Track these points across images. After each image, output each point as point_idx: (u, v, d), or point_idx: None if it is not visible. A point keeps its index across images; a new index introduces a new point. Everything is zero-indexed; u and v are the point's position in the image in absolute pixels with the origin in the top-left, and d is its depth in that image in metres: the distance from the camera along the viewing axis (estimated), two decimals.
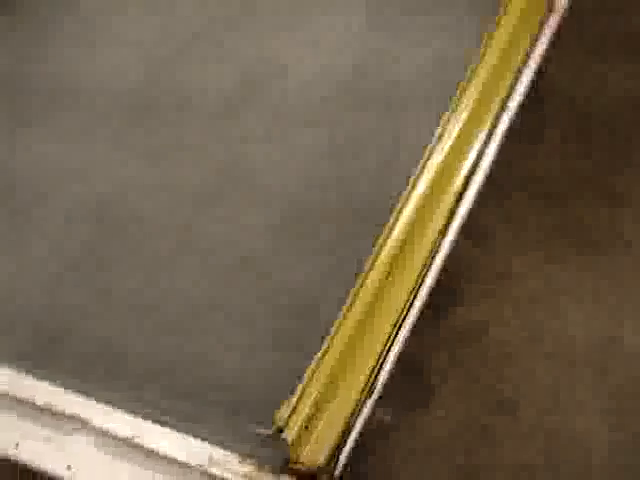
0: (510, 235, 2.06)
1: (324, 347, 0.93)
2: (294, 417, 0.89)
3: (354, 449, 1.88)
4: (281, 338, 1.07)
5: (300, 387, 0.91)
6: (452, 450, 1.81)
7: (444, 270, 2.09)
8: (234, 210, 1.24)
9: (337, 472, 0.88)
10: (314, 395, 0.90)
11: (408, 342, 2.01)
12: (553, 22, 1.28)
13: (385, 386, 1.96)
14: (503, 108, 1.13)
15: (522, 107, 1.34)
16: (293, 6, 1.50)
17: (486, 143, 1.17)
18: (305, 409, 0.89)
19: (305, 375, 0.92)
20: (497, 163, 1.89)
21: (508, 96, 1.13)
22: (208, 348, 1.06)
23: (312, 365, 0.92)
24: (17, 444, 1.04)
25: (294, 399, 0.90)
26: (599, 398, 1.81)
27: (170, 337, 1.08)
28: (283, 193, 1.24)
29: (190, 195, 1.28)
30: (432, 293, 2.06)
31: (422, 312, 2.04)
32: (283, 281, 1.14)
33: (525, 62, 1.16)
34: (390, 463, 1.85)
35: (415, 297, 1.02)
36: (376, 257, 1.06)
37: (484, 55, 1.16)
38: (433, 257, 1.06)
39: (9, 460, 1.07)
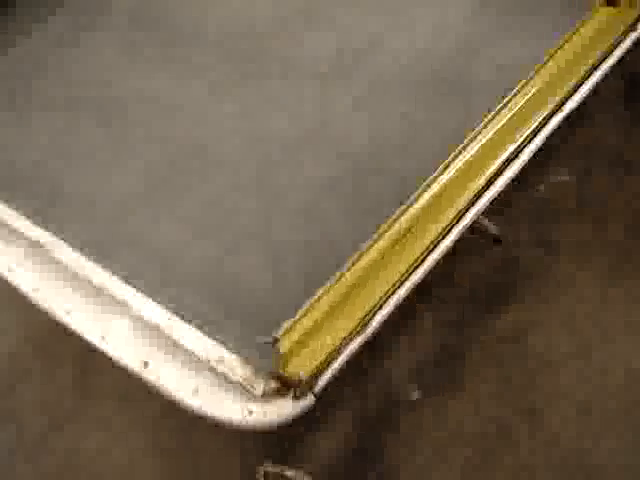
0: (577, 248, 2.08)
1: (338, 274, 1.03)
2: (291, 333, 1.00)
3: (376, 417, 1.98)
4: (304, 263, 1.18)
5: (303, 309, 1.02)
6: (469, 444, 1.86)
7: (503, 268, 2.14)
8: (311, 168, 1.37)
9: (316, 390, 0.99)
10: (315, 317, 1.01)
11: (451, 330, 2.08)
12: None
13: (419, 363, 2.05)
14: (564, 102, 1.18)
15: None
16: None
17: None
18: (302, 328, 1.01)
19: (311, 299, 1.03)
20: None
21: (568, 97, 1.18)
22: (243, 266, 1.19)
23: (321, 289, 1.03)
24: (69, 312, 1.22)
25: (297, 317, 1.01)
26: (630, 430, 1.81)
27: (221, 255, 1.22)
28: (357, 153, 1.35)
29: (278, 147, 1.41)
30: (486, 288, 2.12)
31: (471, 304, 2.11)
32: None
33: (596, 67, 1.20)
34: (407, 440, 1.93)
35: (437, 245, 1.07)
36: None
37: (553, 56, 1.21)
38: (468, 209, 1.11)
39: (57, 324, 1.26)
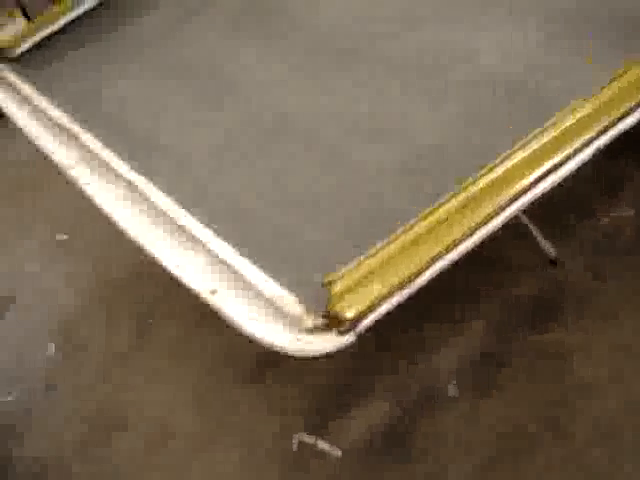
0: (627, 281, 2.14)
1: (403, 228, 1.16)
2: (344, 278, 1.14)
3: (413, 405, 2.09)
4: (374, 209, 1.33)
5: (357, 260, 1.16)
6: (493, 444, 1.95)
7: (554, 289, 2.22)
8: (381, 152, 1.51)
9: (358, 330, 1.13)
10: (366, 268, 1.15)
11: (496, 339, 2.18)
12: None
13: (460, 364, 2.15)
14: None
15: None
16: (482, 8, 1.75)
17: None
18: (354, 275, 1.14)
19: (366, 252, 1.16)
20: None
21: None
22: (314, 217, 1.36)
23: (377, 245, 1.16)
24: (153, 243, 1.40)
25: (350, 265, 1.15)
26: None
27: (289, 211, 1.38)
28: (424, 145, 1.49)
29: (355, 129, 1.56)
30: (535, 305, 2.20)
31: (518, 318, 2.20)
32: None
33: None
34: (436, 431, 2.03)
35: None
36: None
37: (613, 81, 1.30)
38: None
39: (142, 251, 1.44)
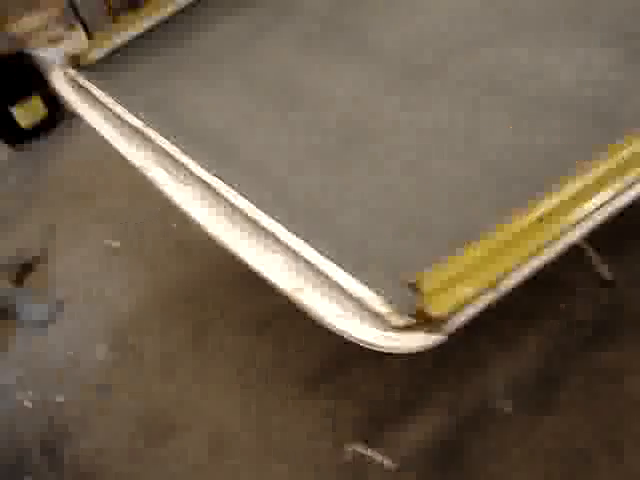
0: None
1: (482, 234, 1.18)
2: (433, 277, 1.17)
3: (466, 419, 2.09)
4: (448, 229, 1.35)
5: (446, 260, 1.19)
6: (549, 462, 1.95)
7: (610, 310, 2.22)
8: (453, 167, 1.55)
9: (449, 329, 1.15)
10: (455, 269, 1.17)
11: (552, 358, 2.18)
12: None
13: (516, 381, 2.16)
14: None
15: None
16: (552, 25, 1.79)
17: None
18: (443, 275, 1.17)
19: (456, 253, 1.19)
20: None
21: None
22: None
23: (466, 246, 1.18)
24: (237, 241, 1.44)
25: (440, 265, 1.18)
26: None
27: (377, 216, 1.42)
28: (499, 161, 1.52)
29: (431, 139, 1.60)
30: (592, 326, 2.20)
31: (575, 337, 2.20)
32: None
33: None
34: (492, 445, 2.03)
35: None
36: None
37: None
38: None
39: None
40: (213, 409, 2.34)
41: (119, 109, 1.98)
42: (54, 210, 3.38)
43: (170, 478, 2.21)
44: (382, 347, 1.16)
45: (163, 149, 1.78)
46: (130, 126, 1.91)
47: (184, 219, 2.66)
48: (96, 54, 2.27)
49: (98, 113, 2.02)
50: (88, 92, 2.11)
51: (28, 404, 2.54)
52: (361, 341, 1.17)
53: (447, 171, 1.51)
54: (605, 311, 2.20)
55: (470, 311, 1.15)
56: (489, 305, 1.17)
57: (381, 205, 1.45)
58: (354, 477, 2.01)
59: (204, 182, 1.63)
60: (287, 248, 1.39)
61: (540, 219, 1.19)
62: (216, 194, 1.57)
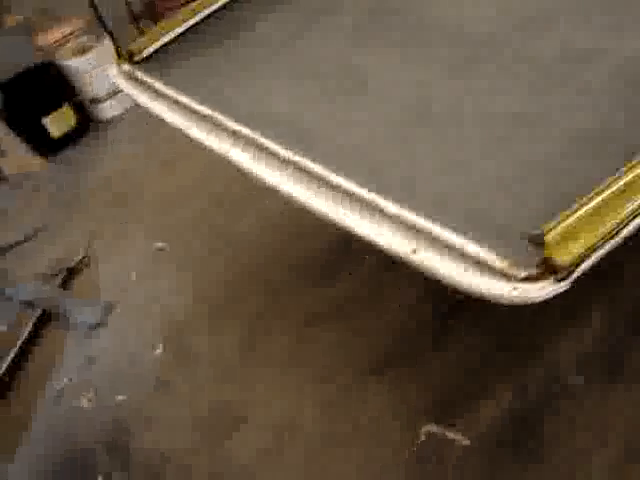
0: None
1: (615, 177, 1.20)
2: (556, 228, 1.19)
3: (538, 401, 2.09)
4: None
5: (567, 212, 1.20)
6: (625, 435, 1.95)
7: None
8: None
9: (575, 275, 1.17)
10: (576, 219, 1.19)
11: (616, 332, 2.19)
12: None
13: (583, 355, 2.16)
14: None
15: None
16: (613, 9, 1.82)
17: None
18: (566, 226, 1.19)
19: (576, 205, 1.21)
20: None
21: None
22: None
23: (586, 197, 1.20)
24: (342, 218, 1.46)
25: (562, 218, 1.20)
26: None
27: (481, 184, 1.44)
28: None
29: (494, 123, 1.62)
30: None
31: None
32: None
33: None
34: (568, 422, 2.04)
35: None
36: None
37: None
38: None
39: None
40: (274, 403, 2.33)
41: (183, 98, 1.99)
42: (94, 216, 3.38)
43: (237, 469, 2.20)
44: (513, 299, 1.17)
45: (237, 133, 1.79)
46: (197, 113, 1.92)
47: (230, 216, 2.69)
48: (147, 51, 2.28)
49: (162, 104, 2.02)
50: (147, 85, 2.12)
51: (88, 406, 2.53)
52: (491, 295, 1.18)
53: (530, 150, 1.52)
54: None
55: (595, 257, 1.16)
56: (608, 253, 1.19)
57: (470, 177, 1.47)
58: (430, 454, 2.00)
59: (292, 162, 1.63)
60: (392, 216, 1.40)
61: None
62: (308, 174, 1.58)
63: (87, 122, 3.76)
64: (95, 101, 3.80)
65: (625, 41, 1.68)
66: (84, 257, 2.99)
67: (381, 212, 1.42)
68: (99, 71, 3.73)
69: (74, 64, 3.68)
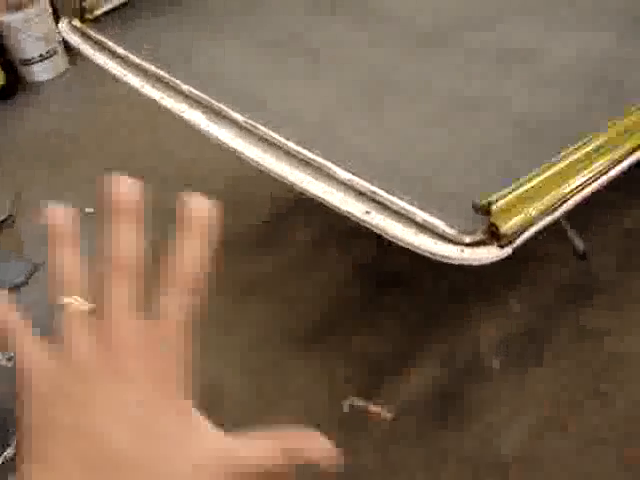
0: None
1: (560, 157, 1.31)
2: (501, 200, 1.28)
3: (461, 377, 2.21)
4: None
5: (512, 186, 1.31)
6: (543, 414, 2.10)
7: (584, 279, 2.41)
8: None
9: (515, 244, 1.27)
10: (519, 193, 1.30)
11: (535, 315, 2.34)
12: None
13: (502, 338, 2.30)
14: None
15: None
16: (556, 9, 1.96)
17: None
18: (511, 198, 1.29)
19: (520, 180, 1.31)
20: None
21: None
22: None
23: (533, 172, 1.30)
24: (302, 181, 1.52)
25: (507, 190, 1.30)
26: None
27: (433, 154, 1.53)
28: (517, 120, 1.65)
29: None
30: (568, 293, 2.38)
31: (557, 299, 2.37)
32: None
33: None
34: (488, 398, 2.16)
35: None
36: None
37: None
38: None
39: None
40: (201, 371, 2.34)
41: (136, 58, 2.00)
42: (22, 176, 3.29)
43: None
44: (460, 260, 1.26)
45: (191, 94, 1.82)
46: (152, 75, 1.94)
47: (167, 187, 2.69)
48: (101, 9, 2.27)
49: (115, 62, 2.03)
50: (100, 44, 2.11)
51: (8, 364, 2.48)
52: (442, 256, 1.27)
53: (481, 132, 1.62)
54: (580, 281, 2.38)
55: (535, 227, 1.27)
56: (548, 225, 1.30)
57: (424, 149, 1.56)
58: (353, 429, 2.08)
59: (248, 127, 1.68)
60: (346, 182, 1.46)
61: (594, 150, 1.33)
62: (263, 138, 1.63)
63: (16, 83, 3.64)
64: (26, 62, 3.69)
65: (569, 40, 1.82)
66: (8, 216, 2.91)
67: (335, 177, 1.48)
68: (33, 31, 3.64)
69: (7, 20, 3.57)
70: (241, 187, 2.78)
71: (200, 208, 0.45)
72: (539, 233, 1.34)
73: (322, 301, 2.46)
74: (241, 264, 2.61)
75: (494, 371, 2.18)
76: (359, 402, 2.20)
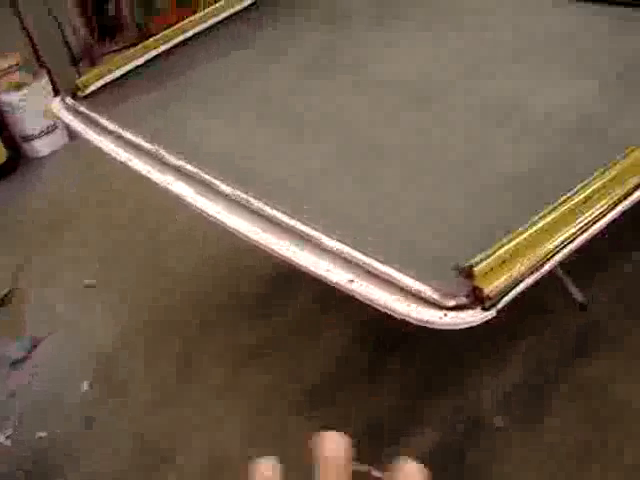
0: None
1: (543, 213, 1.30)
2: (483, 262, 1.28)
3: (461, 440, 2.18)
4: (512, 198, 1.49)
5: (493, 247, 1.30)
6: (551, 463, 2.05)
7: (587, 329, 2.39)
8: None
9: (499, 306, 1.26)
10: (501, 254, 1.29)
11: (536, 370, 2.31)
12: None
13: (505, 395, 2.27)
14: None
15: None
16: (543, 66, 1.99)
17: None
18: (493, 260, 1.29)
19: (502, 239, 1.31)
20: None
21: None
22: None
23: (512, 233, 1.30)
24: (294, 251, 1.52)
25: (488, 252, 1.29)
26: None
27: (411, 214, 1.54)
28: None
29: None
30: (572, 344, 2.35)
31: (557, 353, 2.34)
32: None
33: None
34: (491, 458, 2.12)
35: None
36: None
37: None
38: None
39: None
40: (205, 439, 2.33)
41: (127, 134, 2.04)
42: (23, 250, 3.33)
43: None
44: (443, 325, 1.25)
45: (179, 168, 1.84)
46: (142, 149, 1.97)
47: (165, 251, 2.72)
48: (93, 86, 2.32)
49: (106, 139, 2.06)
50: (91, 120, 2.16)
51: (7, 442, 2.46)
52: (421, 321, 1.26)
53: (463, 189, 1.63)
54: (581, 331, 2.36)
55: (519, 288, 1.26)
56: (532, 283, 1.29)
57: (405, 210, 1.57)
58: None
59: (232, 198, 1.69)
60: (330, 250, 1.47)
61: (581, 203, 1.34)
62: (248, 208, 1.64)
63: (18, 159, 3.72)
64: (27, 138, 3.77)
65: (553, 95, 1.84)
66: (10, 290, 2.93)
67: (319, 245, 1.49)
68: (33, 108, 3.72)
69: (8, 99, 3.66)
70: (241, 250, 2.79)
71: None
72: (537, 284, 1.33)
73: (322, 365, 2.45)
74: (241, 330, 2.61)
75: (498, 429, 2.14)
76: (360, 467, 2.15)
